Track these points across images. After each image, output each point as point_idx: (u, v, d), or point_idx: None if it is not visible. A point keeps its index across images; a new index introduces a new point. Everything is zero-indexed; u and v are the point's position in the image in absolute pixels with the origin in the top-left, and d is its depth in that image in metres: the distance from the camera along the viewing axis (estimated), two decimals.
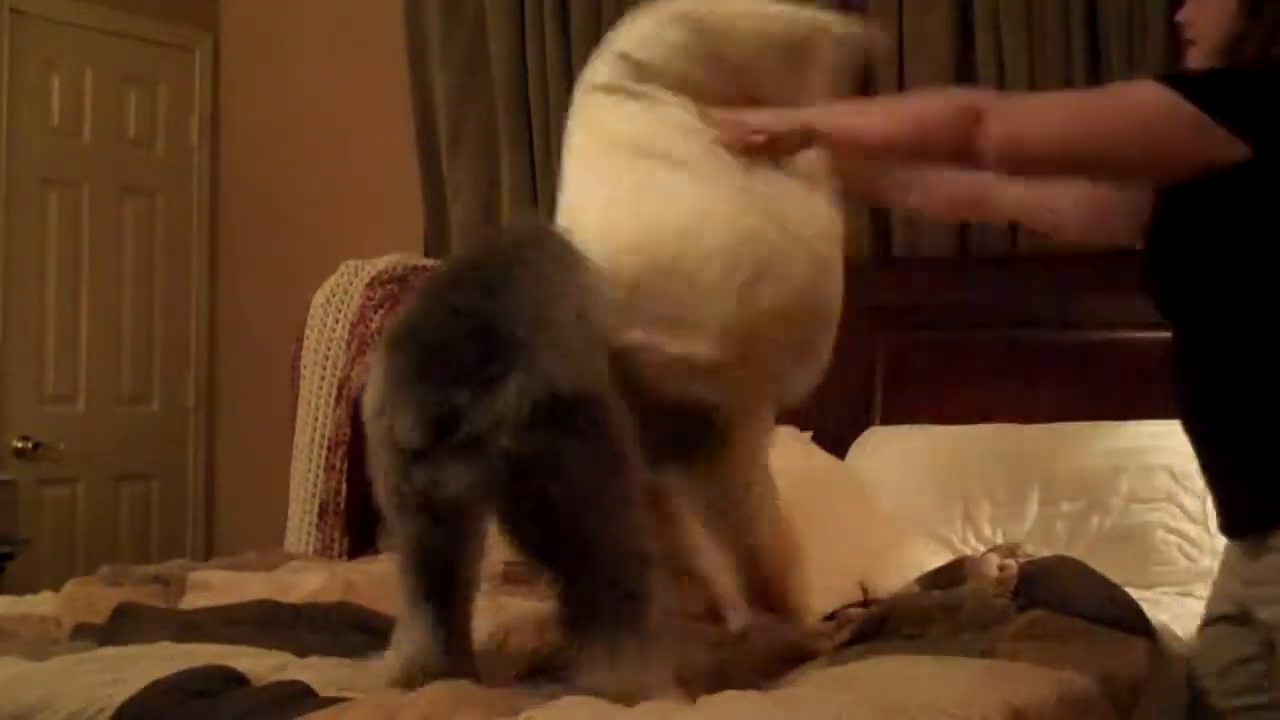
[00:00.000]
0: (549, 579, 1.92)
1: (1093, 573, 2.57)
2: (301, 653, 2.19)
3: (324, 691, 1.92)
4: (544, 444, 1.82)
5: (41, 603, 2.75)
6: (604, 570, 1.86)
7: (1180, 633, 2.61)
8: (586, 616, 1.86)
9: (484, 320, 1.89)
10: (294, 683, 1.93)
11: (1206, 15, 2.08)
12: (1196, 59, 2.11)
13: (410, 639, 2.01)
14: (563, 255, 2.02)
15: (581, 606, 1.87)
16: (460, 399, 1.83)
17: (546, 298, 1.93)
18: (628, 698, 1.79)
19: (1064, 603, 2.31)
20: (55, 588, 2.92)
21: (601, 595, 1.85)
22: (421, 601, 2.01)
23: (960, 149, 2.01)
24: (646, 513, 1.96)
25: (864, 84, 3.86)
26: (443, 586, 2.01)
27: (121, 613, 2.48)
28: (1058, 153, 2.01)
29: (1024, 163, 2.06)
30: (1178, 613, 2.70)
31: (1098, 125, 1.98)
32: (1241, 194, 1.93)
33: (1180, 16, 2.16)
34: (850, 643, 2.28)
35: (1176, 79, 1.97)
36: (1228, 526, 2.13)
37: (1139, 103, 1.96)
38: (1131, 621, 2.32)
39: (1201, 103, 1.90)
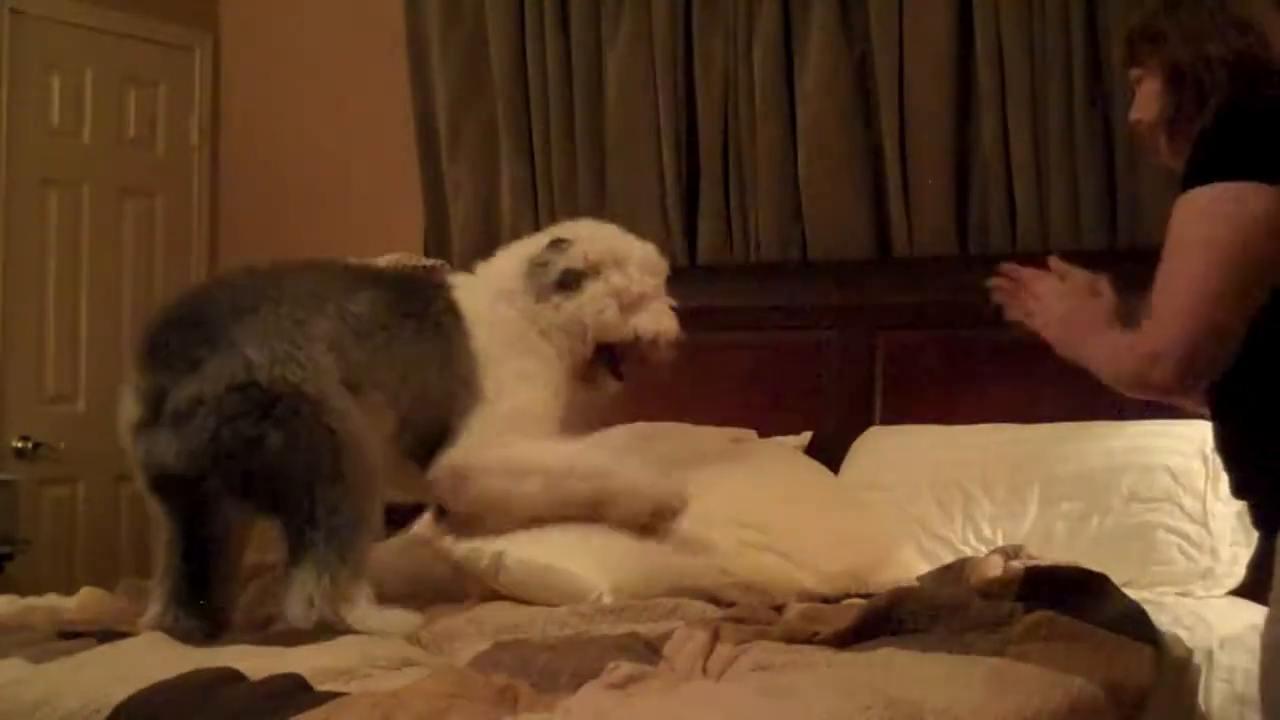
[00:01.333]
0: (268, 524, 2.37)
1: (1098, 577, 2.57)
2: (292, 642, 2.19)
3: (319, 684, 1.92)
4: (244, 428, 2.24)
5: (46, 603, 2.75)
6: (312, 529, 2.26)
7: (1185, 635, 2.61)
8: (294, 564, 2.27)
9: (196, 314, 2.34)
10: (289, 676, 1.93)
11: (1145, 107, 2.25)
12: (1156, 146, 2.25)
13: (152, 606, 2.40)
14: (274, 275, 2.49)
15: (292, 555, 2.28)
16: (168, 380, 2.26)
17: (258, 299, 2.35)
18: (327, 624, 2.21)
19: (1069, 606, 2.31)
20: (55, 588, 2.92)
21: (309, 546, 2.26)
22: (167, 570, 2.40)
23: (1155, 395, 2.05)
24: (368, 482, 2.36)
25: (864, 85, 3.87)
26: (186, 554, 2.37)
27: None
28: (1218, 339, 1.95)
29: (1205, 366, 1.98)
30: (1178, 614, 2.70)
31: (1218, 285, 1.94)
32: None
33: (1131, 117, 2.30)
34: (856, 634, 2.26)
35: (1197, 175, 1.97)
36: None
37: (1217, 239, 1.93)
38: (1137, 629, 2.31)
39: (1231, 175, 1.93)
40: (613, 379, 2.92)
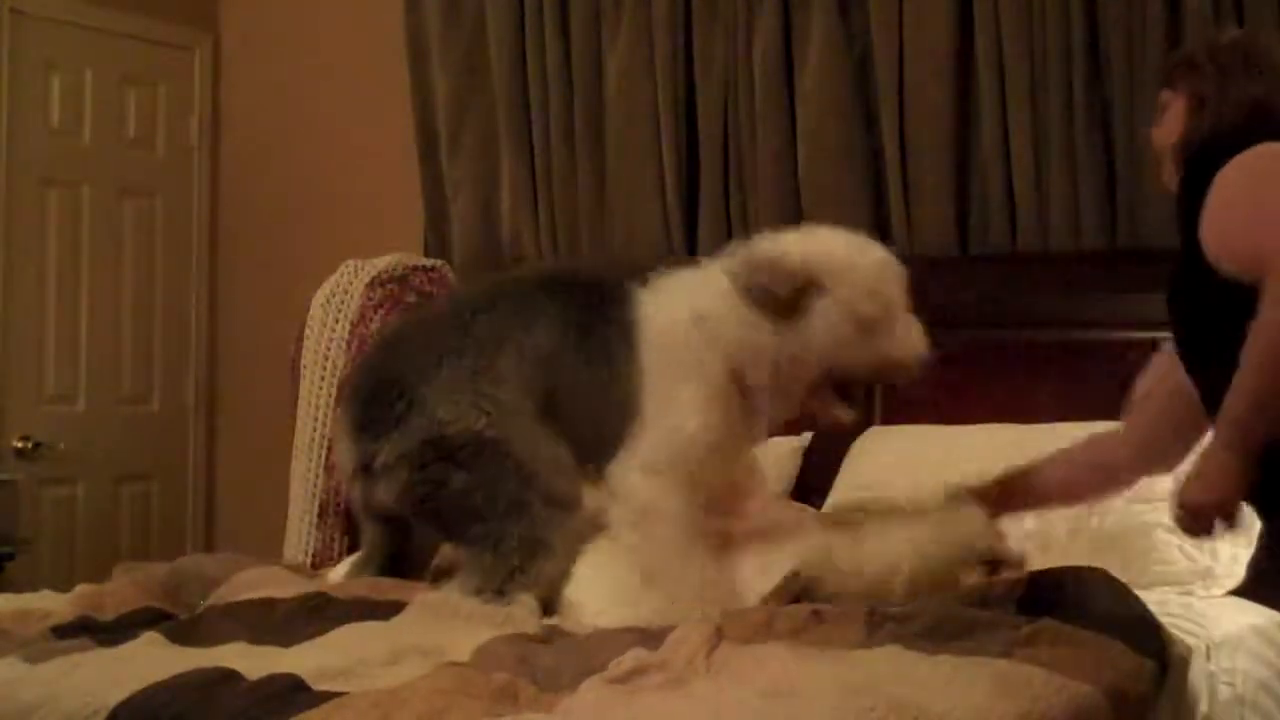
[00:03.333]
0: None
1: (1101, 580, 2.54)
2: (289, 641, 2.19)
3: (317, 684, 1.91)
4: (434, 474, 2.46)
5: (44, 600, 2.74)
6: (491, 552, 2.42)
7: (1185, 636, 2.60)
8: (469, 571, 2.44)
9: (392, 378, 2.52)
10: (287, 676, 1.93)
11: (1168, 128, 2.47)
12: (1169, 168, 2.47)
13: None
14: (459, 316, 2.58)
15: (470, 564, 2.45)
16: (374, 442, 2.51)
17: (443, 352, 2.50)
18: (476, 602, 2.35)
19: (1072, 613, 2.28)
20: (55, 588, 2.91)
21: (485, 560, 2.42)
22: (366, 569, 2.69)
23: None
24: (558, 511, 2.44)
25: (864, 85, 3.88)
26: (384, 564, 2.67)
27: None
28: None
29: None
30: (1178, 614, 2.69)
31: None
32: None
33: (1154, 132, 2.53)
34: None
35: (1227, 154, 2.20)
36: None
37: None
38: (1141, 637, 2.29)
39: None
40: (844, 408, 2.51)
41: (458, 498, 2.45)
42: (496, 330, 2.52)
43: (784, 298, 2.38)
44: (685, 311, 2.45)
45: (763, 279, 2.38)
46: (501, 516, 2.42)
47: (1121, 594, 2.43)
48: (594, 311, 2.53)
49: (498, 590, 2.38)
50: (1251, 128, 2.30)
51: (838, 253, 2.45)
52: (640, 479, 2.42)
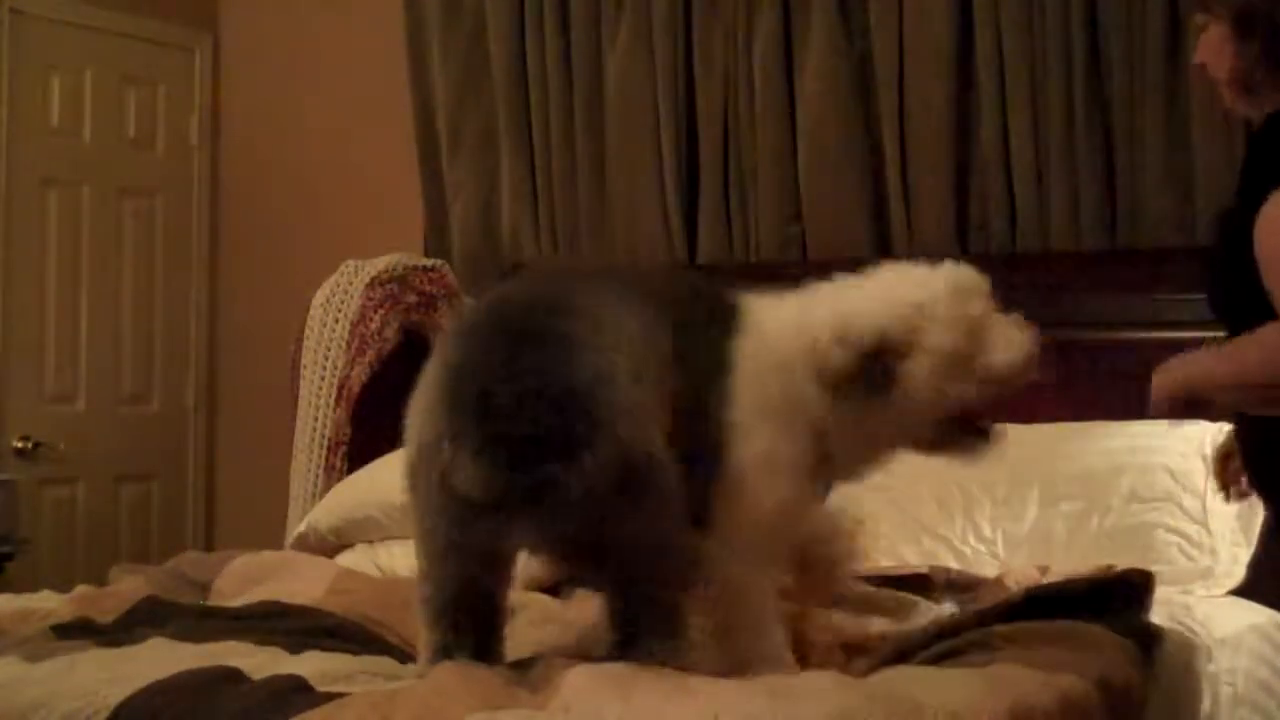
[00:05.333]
0: (604, 597, 2.10)
1: (1101, 592, 2.53)
2: (295, 649, 2.19)
3: (319, 685, 1.92)
4: (617, 504, 1.94)
5: (45, 600, 2.75)
6: (652, 594, 2.04)
7: (1185, 636, 2.60)
8: (633, 632, 2.03)
9: (552, 379, 1.92)
10: (290, 677, 1.93)
11: (1213, 55, 2.14)
12: (1230, 98, 2.16)
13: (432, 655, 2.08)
14: (611, 307, 2.07)
15: (629, 624, 2.04)
16: (547, 467, 1.88)
17: (609, 353, 1.98)
18: None
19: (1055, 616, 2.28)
20: (55, 587, 2.92)
21: (646, 613, 2.03)
22: (459, 632, 2.07)
23: None
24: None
25: (864, 85, 3.87)
26: (482, 620, 2.10)
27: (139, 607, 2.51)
28: None
29: None
30: (1178, 614, 2.70)
31: None
32: None
33: (1198, 60, 2.20)
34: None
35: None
36: None
37: None
38: (1121, 623, 2.29)
39: None
40: (980, 438, 2.28)
41: (634, 530, 1.99)
42: (646, 342, 2.08)
43: (871, 376, 2.13)
44: (772, 357, 2.17)
45: (844, 357, 2.13)
46: (656, 554, 2.03)
47: (1117, 595, 2.42)
48: (699, 334, 2.17)
49: (681, 643, 2.02)
50: None
51: (907, 297, 2.19)
52: (727, 554, 2.12)
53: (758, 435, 2.12)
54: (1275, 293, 1.97)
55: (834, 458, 2.21)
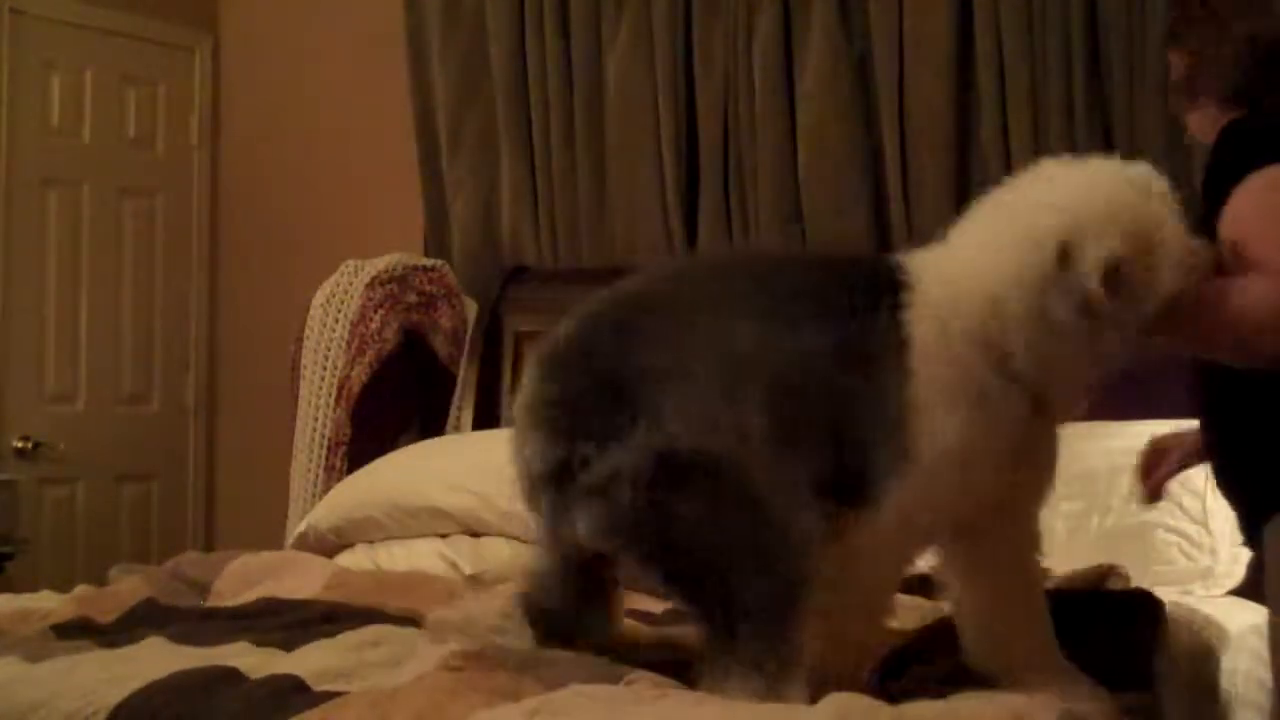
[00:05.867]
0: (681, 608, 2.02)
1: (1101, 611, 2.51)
2: (293, 644, 2.19)
3: (317, 685, 1.91)
4: (660, 499, 1.90)
5: (45, 600, 2.75)
6: (734, 616, 1.91)
7: (1185, 637, 2.60)
8: (716, 659, 1.91)
9: (615, 367, 1.97)
10: (287, 677, 1.93)
11: (1202, 127, 2.31)
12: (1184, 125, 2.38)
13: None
14: (720, 299, 2.03)
15: (712, 647, 1.92)
16: (585, 449, 1.93)
17: (679, 358, 1.96)
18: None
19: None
20: (55, 587, 2.92)
21: (733, 638, 1.90)
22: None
23: None
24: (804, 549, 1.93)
25: (864, 85, 3.87)
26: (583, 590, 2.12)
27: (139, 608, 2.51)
28: None
29: None
30: (1178, 614, 2.69)
31: None
32: None
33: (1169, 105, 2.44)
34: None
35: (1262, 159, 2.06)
36: None
37: None
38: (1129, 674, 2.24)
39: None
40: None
41: (686, 532, 1.91)
42: (746, 340, 1.99)
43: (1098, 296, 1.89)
44: (954, 323, 1.96)
45: (1074, 281, 1.89)
46: (741, 563, 1.91)
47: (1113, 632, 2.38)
48: (853, 314, 2.00)
49: (755, 665, 1.88)
50: (1260, 69, 2.17)
51: (1117, 198, 2.00)
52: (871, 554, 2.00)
53: (944, 425, 1.94)
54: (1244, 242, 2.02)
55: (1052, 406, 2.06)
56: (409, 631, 2.27)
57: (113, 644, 2.26)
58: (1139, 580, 2.85)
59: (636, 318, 2.03)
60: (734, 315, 2.01)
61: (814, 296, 2.02)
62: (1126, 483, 3.12)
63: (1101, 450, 3.21)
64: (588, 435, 1.94)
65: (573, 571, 2.10)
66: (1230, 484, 2.29)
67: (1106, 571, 2.73)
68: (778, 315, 2.01)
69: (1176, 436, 2.50)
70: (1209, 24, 2.26)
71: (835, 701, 1.78)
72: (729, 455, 1.92)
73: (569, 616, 2.12)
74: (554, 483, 1.97)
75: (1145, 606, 2.42)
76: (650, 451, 1.90)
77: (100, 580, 2.99)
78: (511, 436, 2.06)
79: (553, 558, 2.12)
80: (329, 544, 3.57)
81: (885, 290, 1.99)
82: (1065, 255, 1.90)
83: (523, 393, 2.04)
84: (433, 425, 4.19)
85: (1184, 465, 2.49)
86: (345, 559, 3.46)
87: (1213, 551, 2.99)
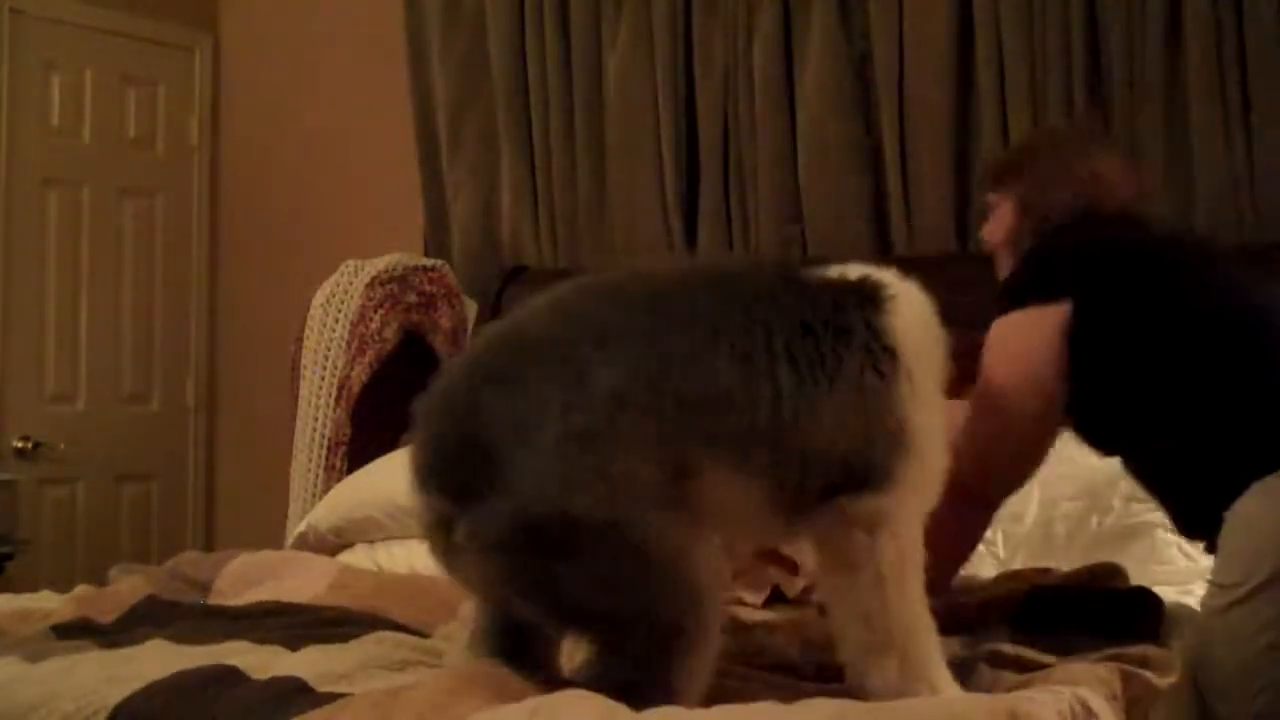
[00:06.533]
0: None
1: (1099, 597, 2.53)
2: (296, 644, 2.19)
3: (320, 686, 1.91)
4: (521, 561, 1.85)
5: (45, 600, 2.75)
6: (611, 655, 1.87)
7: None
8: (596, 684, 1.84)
9: (478, 422, 1.88)
10: (290, 678, 1.93)
11: (997, 229, 2.62)
12: (1001, 259, 2.61)
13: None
14: (575, 345, 1.91)
15: (592, 673, 1.88)
16: (451, 508, 1.88)
17: (547, 405, 1.85)
18: None
19: (1061, 639, 2.26)
20: (55, 587, 2.92)
21: (609, 670, 1.86)
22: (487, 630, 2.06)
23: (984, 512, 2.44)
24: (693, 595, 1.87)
25: (864, 85, 3.87)
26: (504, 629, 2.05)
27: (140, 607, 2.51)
28: (1014, 447, 2.42)
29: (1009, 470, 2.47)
30: (1178, 614, 2.69)
31: (1007, 404, 2.30)
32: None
33: (984, 234, 2.67)
34: None
35: (1005, 297, 2.34)
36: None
37: (1007, 362, 2.32)
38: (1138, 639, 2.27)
39: (1025, 300, 2.33)
40: None
41: (565, 591, 1.86)
42: (649, 360, 1.90)
43: None
44: (927, 309, 2.18)
45: None
46: (627, 609, 1.86)
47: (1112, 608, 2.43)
48: (822, 331, 1.99)
49: (635, 696, 1.81)
50: (1069, 231, 2.45)
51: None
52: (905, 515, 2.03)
53: (928, 406, 2.09)
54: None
55: None
56: (415, 640, 2.27)
57: (113, 644, 2.25)
58: (1138, 580, 2.85)
59: (506, 363, 1.93)
60: (621, 348, 1.90)
61: (721, 315, 1.96)
62: (1126, 483, 3.13)
63: None
64: (453, 493, 1.88)
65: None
66: (1165, 493, 2.43)
67: (1106, 570, 2.73)
68: (682, 340, 1.92)
69: None
70: (1036, 184, 2.56)
71: (834, 703, 1.78)
72: (602, 509, 1.81)
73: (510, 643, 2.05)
74: (439, 533, 1.92)
75: (1146, 603, 2.46)
76: (503, 515, 1.82)
77: (100, 580, 2.99)
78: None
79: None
80: (329, 544, 3.57)
81: (861, 300, 2.05)
82: None
83: (414, 433, 2.00)
84: None
85: None
86: (345, 559, 3.46)
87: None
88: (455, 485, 1.88)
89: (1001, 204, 2.61)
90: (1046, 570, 2.85)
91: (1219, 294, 2.32)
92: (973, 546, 2.53)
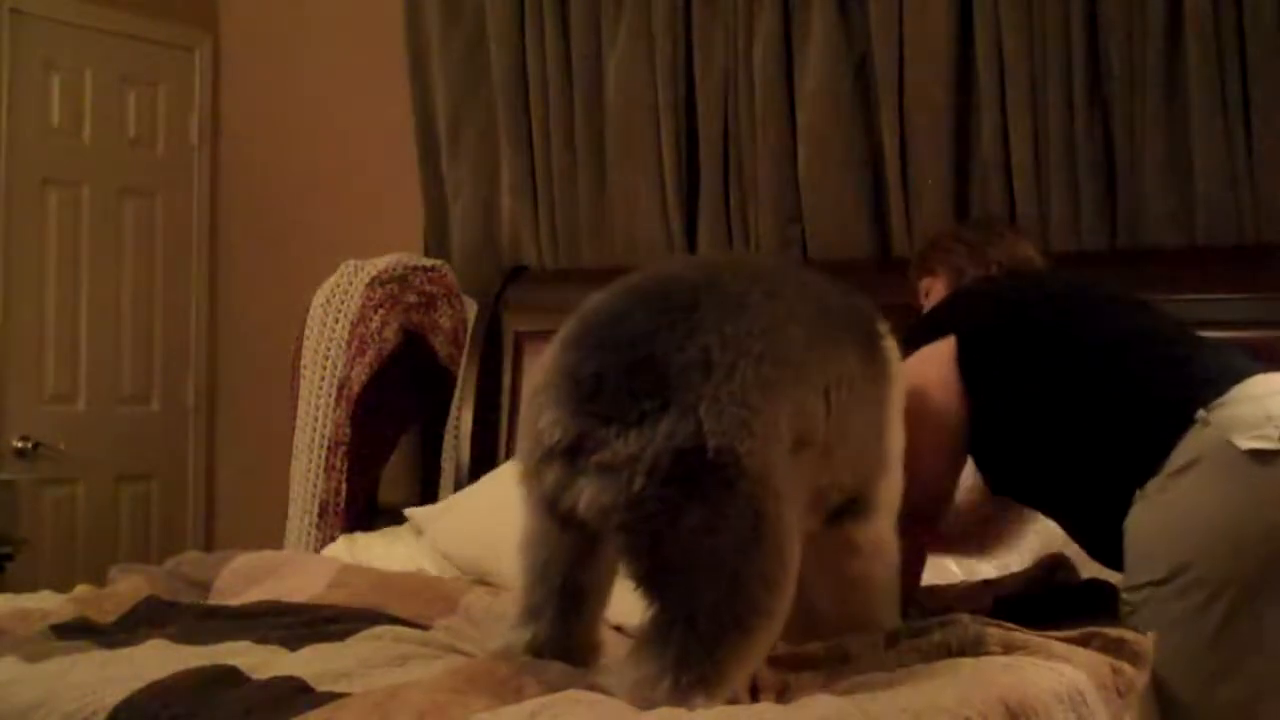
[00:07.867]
0: (644, 603, 1.90)
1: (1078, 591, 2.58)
2: (296, 644, 2.19)
3: (319, 685, 1.91)
4: (668, 494, 1.82)
5: (45, 600, 2.75)
6: (690, 619, 1.84)
7: None
8: (654, 641, 1.85)
9: (653, 349, 1.88)
10: (289, 678, 1.93)
11: (930, 301, 2.88)
12: None
13: (530, 627, 2.04)
14: (767, 297, 2.00)
15: (657, 633, 1.85)
16: (606, 428, 1.85)
17: (724, 351, 1.88)
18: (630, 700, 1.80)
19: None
20: (55, 587, 2.92)
21: (677, 631, 1.83)
22: (542, 597, 2.04)
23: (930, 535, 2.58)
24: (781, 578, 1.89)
25: (864, 85, 3.87)
26: (564, 590, 2.03)
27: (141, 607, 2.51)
28: (944, 469, 2.54)
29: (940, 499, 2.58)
30: None
31: (930, 437, 2.42)
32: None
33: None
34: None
35: (905, 343, 2.44)
36: None
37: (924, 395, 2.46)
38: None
39: (918, 343, 2.53)
40: None
41: (681, 530, 1.83)
42: (803, 344, 2.00)
43: None
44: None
45: None
46: (713, 573, 1.84)
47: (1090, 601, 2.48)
48: (867, 344, 2.18)
49: (694, 679, 1.80)
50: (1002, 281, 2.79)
51: None
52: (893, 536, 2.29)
53: (899, 429, 2.31)
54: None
55: None
56: (414, 633, 2.28)
57: (113, 644, 2.25)
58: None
59: (678, 301, 1.95)
60: (788, 318, 1.98)
61: (843, 317, 2.17)
62: None
63: None
64: (612, 413, 1.85)
65: (559, 573, 2.03)
66: (1067, 522, 2.59)
67: (1052, 563, 2.78)
68: (824, 330, 2.07)
69: None
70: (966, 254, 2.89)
71: (834, 703, 1.78)
72: (752, 464, 1.84)
73: (555, 632, 2.05)
74: (567, 455, 1.88)
75: (1100, 595, 2.56)
76: (672, 444, 1.81)
77: (100, 580, 2.99)
78: (524, 411, 1.99)
79: (542, 547, 2.04)
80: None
81: (873, 325, 2.25)
82: None
83: (547, 367, 1.96)
84: (433, 425, 4.20)
85: None
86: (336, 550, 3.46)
87: None
88: (613, 407, 1.85)
89: (935, 285, 2.91)
90: (996, 581, 2.86)
91: (1089, 322, 2.53)
92: (923, 564, 2.68)
